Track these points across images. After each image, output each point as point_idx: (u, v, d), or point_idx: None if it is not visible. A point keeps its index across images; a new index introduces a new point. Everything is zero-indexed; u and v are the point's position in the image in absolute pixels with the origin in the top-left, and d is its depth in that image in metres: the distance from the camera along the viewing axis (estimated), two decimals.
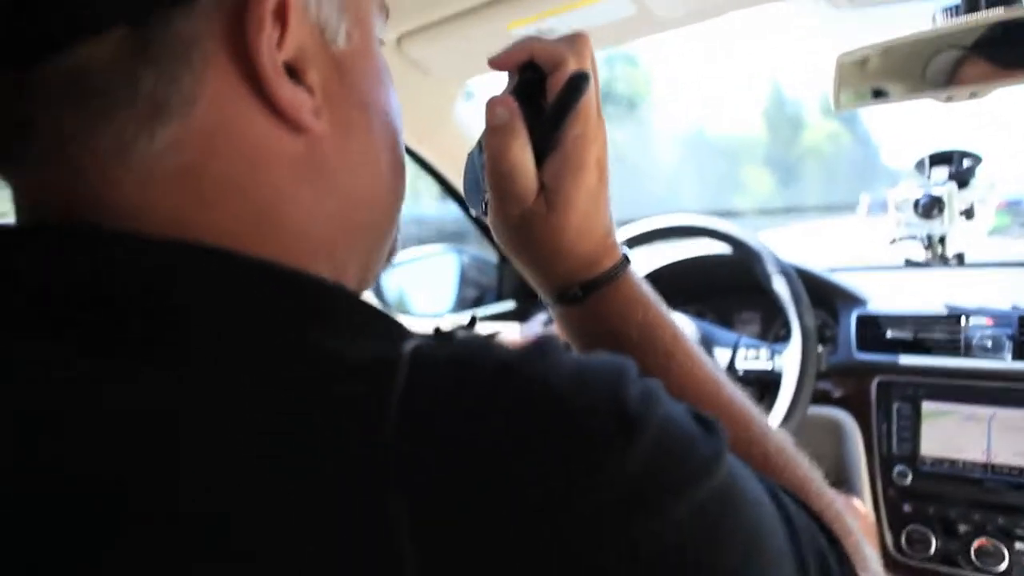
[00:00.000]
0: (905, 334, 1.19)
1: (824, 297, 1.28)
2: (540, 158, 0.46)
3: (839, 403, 1.22)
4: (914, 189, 1.32)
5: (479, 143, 0.50)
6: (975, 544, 1.05)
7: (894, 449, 1.14)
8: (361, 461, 0.24)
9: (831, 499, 0.45)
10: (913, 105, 0.95)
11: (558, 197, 0.46)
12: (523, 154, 0.45)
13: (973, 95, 0.90)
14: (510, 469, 0.25)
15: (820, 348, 1.10)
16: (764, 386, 1.16)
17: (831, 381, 1.22)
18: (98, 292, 0.28)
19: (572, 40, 0.47)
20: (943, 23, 0.87)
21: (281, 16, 0.32)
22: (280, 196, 0.33)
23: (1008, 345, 1.10)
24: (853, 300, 1.27)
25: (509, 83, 0.50)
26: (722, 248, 1.20)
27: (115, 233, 0.30)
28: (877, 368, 1.18)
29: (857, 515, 1.05)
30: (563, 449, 0.26)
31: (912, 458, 1.12)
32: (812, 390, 1.07)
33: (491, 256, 1.67)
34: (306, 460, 0.24)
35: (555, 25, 0.95)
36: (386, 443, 0.25)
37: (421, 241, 1.64)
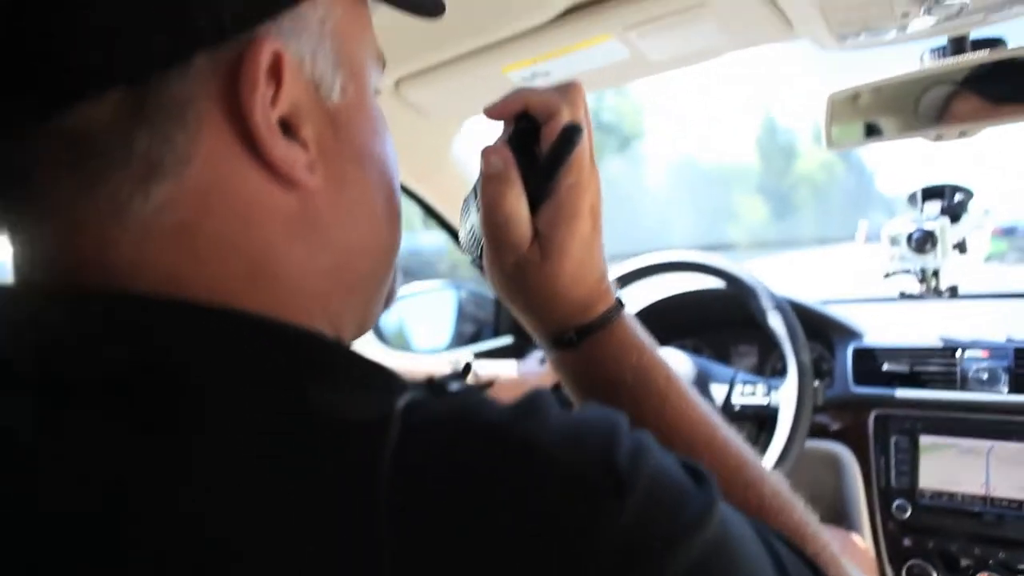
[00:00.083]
0: (901, 367, 1.19)
1: (820, 330, 1.29)
2: (534, 206, 0.47)
3: (837, 436, 1.22)
4: (907, 223, 1.33)
5: (474, 189, 0.51)
6: None
7: (892, 483, 1.14)
8: (355, 515, 0.25)
9: (826, 542, 0.45)
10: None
11: (552, 245, 0.47)
12: (518, 203, 0.46)
13: (962, 134, 0.92)
14: (501, 527, 0.26)
15: (817, 383, 1.10)
16: (761, 422, 1.16)
17: (828, 414, 1.22)
18: (96, 357, 0.28)
19: (565, 90, 0.48)
20: (931, 64, 0.89)
21: (276, 74, 0.32)
22: (274, 252, 0.34)
23: (1004, 378, 1.10)
24: (849, 333, 1.28)
25: (504, 132, 0.51)
26: (717, 282, 1.21)
27: (114, 295, 0.30)
28: (874, 401, 1.18)
29: (856, 552, 1.05)
30: (555, 508, 0.26)
31: (911, 492, 1.12)
32: (809, 425, 1.08)
33: (489, 291, 1.67)
34: (304, 516, 0.25)
35: (550, 68, 0.97)
36: (379, 498, 0.25)
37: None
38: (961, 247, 1.33)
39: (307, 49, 0.34)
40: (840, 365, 1.25)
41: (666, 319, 1.44)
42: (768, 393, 1.15)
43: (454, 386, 0.32)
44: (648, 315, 1.43)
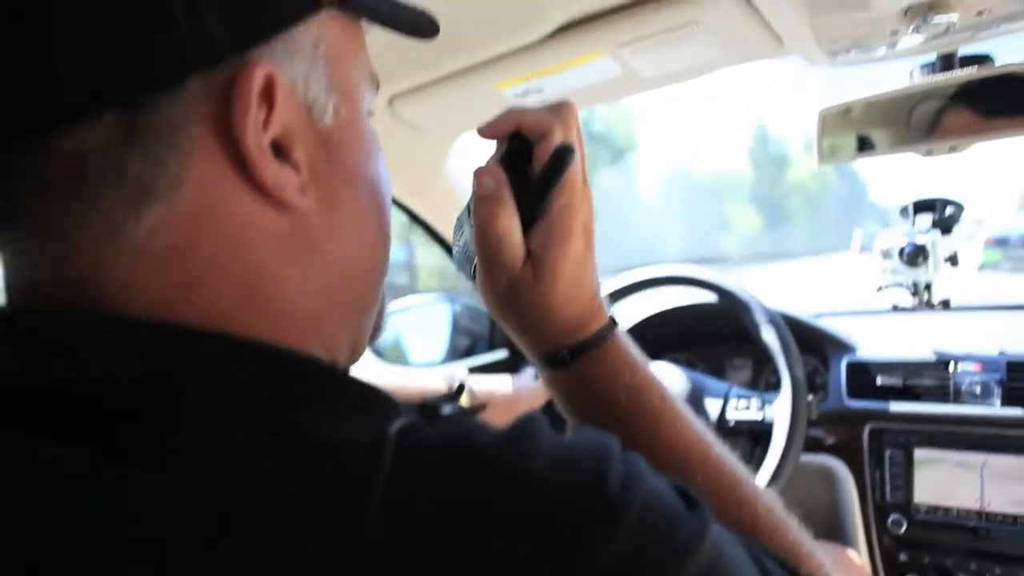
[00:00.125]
0: (895, 380, 1.19)
1: (813, 343, 1.29)
2: (527, 226, 0.47)
3: (831, 450, 1.22)
4: (899, 236, 1.34)
5: (467, 208, 0.51)
6: None
7: (888, 497, 1.14)
8: (349, 537, 0.25)
9: (820, 561, 0.45)
10: None
11: (545, 266, 0.47)
12: (510, 224, 0.46)
13: (952, 149, 0.93)
14: (494, 552, 0.26)
15: (811, 397, 1.10)
16: (756, 436, 1.16)
17: (823, 428, 1.22)
18: (84, 380, 0.28)
19: (557, 109, 0.48)
20: (921, 79, 0.90)
21: (268, 97, 0.32)
22: (266, 274, 0.34)
23: (997, 391, 1.10)
24: (842, 346, 1.28)
25: (497, 151, 0.51)
26: (710, 296, 1.22)
27: (107, 318, 0.30)
28: (868, 415, 1.18)
29: (852, 567, 1.04)
30: (547, 532, 0.26)
31: (906, 506, 1.12)
32: (803, 440, 1.08)
33: (483, 305, 1.67)
34: (299, 536, 0.25)
35: (543, 85, 0.97)
36: (372, 522, 0.25)
37: None
38: (953, 260, 1.34)
39: (300, 72, 0.34)
40: (834, 379, 1.25)
41: (659, 333, 1.44)
42: (762, 408, 1.15)
43: (447, 409, 0.32)
44: (641, 330, 1.44)
